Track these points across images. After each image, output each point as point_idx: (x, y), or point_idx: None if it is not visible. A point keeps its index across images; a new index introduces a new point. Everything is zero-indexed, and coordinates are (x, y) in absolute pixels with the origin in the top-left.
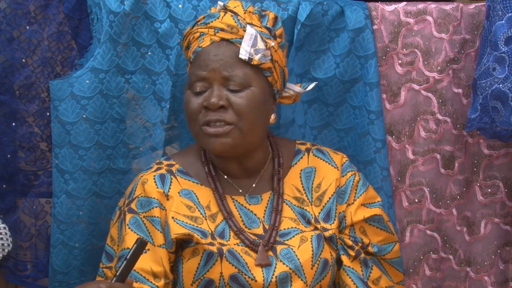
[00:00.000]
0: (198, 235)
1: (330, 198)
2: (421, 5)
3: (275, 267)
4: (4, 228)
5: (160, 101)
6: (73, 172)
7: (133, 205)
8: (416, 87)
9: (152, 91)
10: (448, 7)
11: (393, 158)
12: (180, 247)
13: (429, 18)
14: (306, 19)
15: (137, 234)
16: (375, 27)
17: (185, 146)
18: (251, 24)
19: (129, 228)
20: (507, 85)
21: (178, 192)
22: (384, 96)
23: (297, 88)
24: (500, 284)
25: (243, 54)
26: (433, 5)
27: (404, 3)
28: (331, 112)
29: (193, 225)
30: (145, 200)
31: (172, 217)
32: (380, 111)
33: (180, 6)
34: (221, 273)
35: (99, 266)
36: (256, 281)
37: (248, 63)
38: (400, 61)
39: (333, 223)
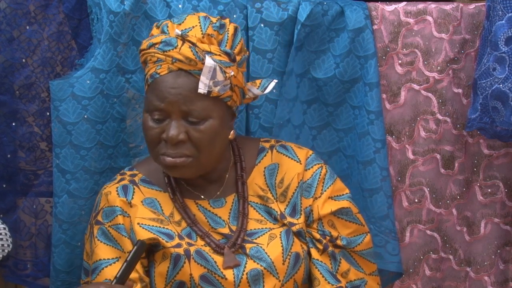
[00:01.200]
0: (163, 238)
1: (293, 193)
2: (421, 5)
3: (245, 265)
4: (4, 228)
5: None
6: (75, 172)
7: (99, 217)
8: (416, 87)
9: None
10: (448, 7)
11: (393, 158)
12: (151, 251)
13: (429, 18)
14: (306, 19)
15: (106, 244)
16: (375, 27)
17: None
18: (210, 53)
19: (98, 240)
20: (507, 85)
21: (141, 201)
22: (384, 96)
23: (256, 90)
24: (500, 284)
25: (202, 88)
26: (433, 5)
27: (404, 3)
28: (330, 112)
29: (159, 226)
30: (109, 210)
31: (138, 223)
32: (380, 111)
33: (180, 6)
34: (191, 274)
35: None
36: (226, 279)
37: (207, 95)
38: (400, 61)
39: (300, 217)
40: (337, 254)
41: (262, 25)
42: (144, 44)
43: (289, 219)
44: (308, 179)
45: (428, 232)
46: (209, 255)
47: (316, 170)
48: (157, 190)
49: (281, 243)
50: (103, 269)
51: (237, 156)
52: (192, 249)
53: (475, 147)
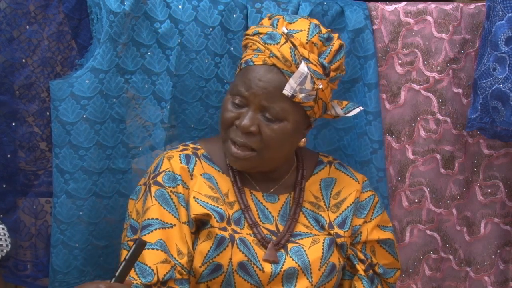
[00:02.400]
0: (215, 217)
1: (348, 206)
2: (421, 5)
3: (284, 262)
4: (3, 229)
5: (160, 101)
6: (73, 172)
7: (159, 179)
8: (416, 87)
9: (151, 91)
10: (448, 7)
11: (393, 158)
12: (198, 228)
13: (429, 18)
14: None
15: (163, 208)
16: (375, 27)
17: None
18: (307, 60)
19: (155, 199)
20: (507, 85)
21: (201, 174)
22: (384, 96)
23: (340, 111)
24: (500, 284)
25: (287, 90)
26: (433, 5)
27: (404, 3)
28: None
29: (214, 205)
30: (171, 175)
31: (194, 197)
32: (378, 112)
33: (180, 6)
34: (231, 259)
35: (122, 241)
36: (264, 272)
37: (289, 98)
38: (400, 61)
39: (347, 231)
40: (375, 278)
41: None
42: (251, 29)
43: (336, 229)
44: (362, 201)
45: (428, 232)
46: (252, 245)
47: (370, 195)
48: (216, 169)
49: (323, 249)
50: (157, 229)
51: (300, 162)
52: (237, 236)
53: (475, 147)
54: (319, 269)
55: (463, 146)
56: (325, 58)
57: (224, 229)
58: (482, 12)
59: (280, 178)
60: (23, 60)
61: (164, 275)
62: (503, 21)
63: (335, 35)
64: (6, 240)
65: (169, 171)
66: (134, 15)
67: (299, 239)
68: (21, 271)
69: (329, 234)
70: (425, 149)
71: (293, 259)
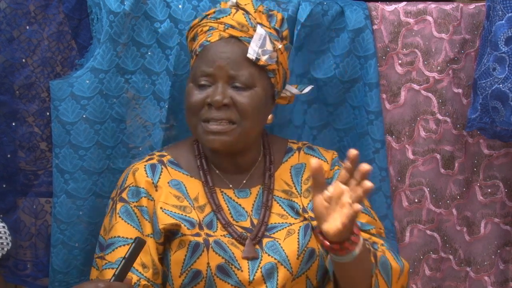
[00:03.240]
0: (185, 225)
1: None
2: (421, 5)
3: (261, 259)
4: (3, 227)
5: (160, 101)
6: (73, 172)
7: (124, 195)
8: (416, 87)
9: (151, 91)
10: (448, 7)
11: (393, 158)
12: (168, 239)
13: (429, 18)
14: (306, 19)
15: (128, 223)
16: (375, 27)
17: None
18: (261, 24)
19: (119, 216)
20: (507, 85)
21: (168, 182)
22: (384, 96)
23: (294, 89)
24: (500, 284)
25: (251, 54)
26: (433, 5)
27: (404, 3)
28: (331, 112)
29: (182, 214)
30: (135, 190)
31: (161, 208)
32: (379, 112)
33: (180, 6)
34: (208, 263)
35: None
36: (242, 271)
37: (254, 63)
38: (400, 61)
39: None
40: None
41: None
42: (196, 20)
43: (310, 213)
44: (329, 178)
45: (428, 232)
46: (228, 246)
47: (336, 170)
48: (184, 173)
49: (298, 238)
50: (119, 247)
51: (266, 149)
52: (211, 239)
53: (475, 147)
54: (297, 258)
55: (463, 146)
56: (275, 24)
57: (197, 234)
58: (482, 12)
59: (248, 168)
60: (23, 60)
61: None
62: (503, 21)
63: (275, 11)
64: (6, 238)
65: (132, 186)
66: (134, 15)
67: (273, 233)
68: (21, 270)
69: (305, 219)
70: (425, 149)
71: (269, 255)
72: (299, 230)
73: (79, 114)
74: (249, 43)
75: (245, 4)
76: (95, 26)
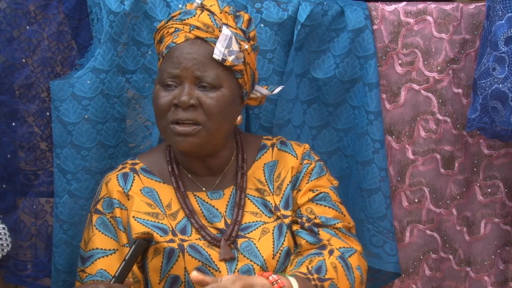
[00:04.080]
0: (157, 233)
1: (287, 185)
2: (421, 5)
3: (237, 261)
4: (3, 228)
5: None
6: (76, 172)
7: (99, 206)
8: (416, 87)
9: (152, 90)
10: (448, 7)
11: (393, 158)
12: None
13: (429, 18)
14: (306, 19)
15: (105, 235)
16: (375, 27)
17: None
18: (226, 25)
19: (96, 228)
20: (507, 85)
21: (140, 190)
22: (384, 96)
23: (264, 90)
24: (500, 284)
25: (217, 54)
26: (433, 5)
27: (404, 3)
28: (330, 112)
29: (154, 221)
30: (109, 201)
31: (133, 216)
32: (379, 112)
33: (180, 6)
34: (185, 268)
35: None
36: (220, 272)
37: (221, 63)
38: (400, 61)
39: (291, 209)
40: (314, 228)
41: (262, 25)
42: (162, 22)
43: (282, 211)
44: (299, 173)
45: (428, 232)
46: (203, 248)
47: (305, 164)
48: (156, 180)
49: (273, 238)
50: (98, 259)
51: (239, 148)
52: (186, 243)
53: (475, 147)
54: (273, 258)
55: (463, 146)
56: (241, 25)
57: (171, 240)
58: (482, 12)
59: (221, 169)
60: (23, 60)
61: None
62: (503, 21)
63: (241, 12)
64: (6, 239)
65: (107, 197)
66: (134, 14)
67: (248, 233)
68: (21, 271)
69: (278, 217)
70: (425, 149)
71: (244, 256)
72: (273, 230)
73: (80, 115)
74: (215, 43)
75: (211, 5)
76: (95, 26)
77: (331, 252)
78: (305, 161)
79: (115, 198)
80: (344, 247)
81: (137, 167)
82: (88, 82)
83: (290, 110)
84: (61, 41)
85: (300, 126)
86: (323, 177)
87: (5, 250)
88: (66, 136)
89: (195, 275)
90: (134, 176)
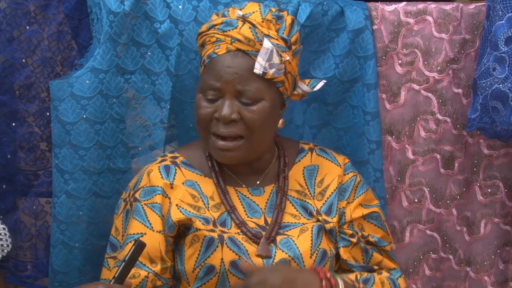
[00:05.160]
0: (200, 221)
1: (332, 192)
2: (421, 5)
3: (275, 255)
4: (4, 229)
5: (160, 101)
6: (73, 172)
7: (137, 195)
8: (416, 87)
9: (151, 91)
10: (448, 7)
11: (393, 158)
12: (182, 234)
13: (429, 18)
14: (306, 19)
15: (138, 221)
16: (375, 27)
17: (184, 145)
18: (268, 36)
19: (133, 217)
20: (507, 85)
21: (183, 183)
22: (384, 96)
23: (305, 87)
24: (500, 284)
25: (258, 69)
26: (433, 5)
27: (404, 3)
28: (330, 111)
29: (196, 213)
30: (149, 189)
31: (176, 205)
32: (376, 113)
33: (180, 7)
34: (222, 259)
35: (104, 257)
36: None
37: (261, 77)
38: (400, 61)
39: (335, 217)
40: (369, 249)
41: None
42: (204, 27)
43: (324, 216)
44: (344, 183)
45: (428, 232)
46: (242, 243)
47: (352, 177)
48: (197, 174)
49: (311, 237)
50: (127, 243)
51: (281, 151)
52: (225, 235)
53: (475, 147)
54: (310, 257)
55: (463, 146)
56: (283, 32)
57: (212, 230)
58: (482, 12)
59: (263, 169)
60: (23, 60)
61: None
62: (503, 21)
63: (285, 12)
64: (7, 240)
65: (147, 186)
66: (134, 15)
67: (287, 231)
68: (21, 271)
69: (318, 220)
70: (425, 149)
71: (283, 251)
72: (312, 228)
73: (79, 114)
74: (256, 57)
75: (253, 12)
76: (95, 26)
77: (380, 273)
78: (351, 173)
79: (158, 186)
80: (394, 268)
81: (177, 160)
82: (87, 82)
83: (291, 110)
84: (61, 41)
85: (301, 125)
86: (369, 191)
87: (5, 251)
88: (64, 136)
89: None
90: (176, 169)
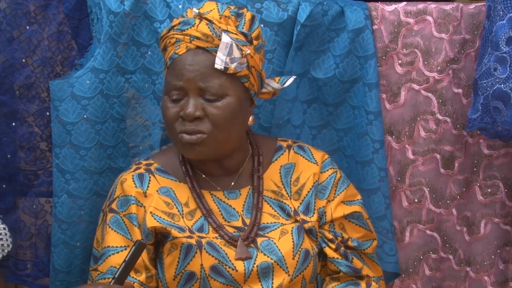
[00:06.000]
0: (175, 229)
1: (308, 191)
2: (421, 5)
3: (256, 258)
4: (4, 228)
5: (160, 100)
6: (74, 172)
7: (113, 205)
8: (416, 87)
9: (152, 90)
10: (448, 7)
11: (393, 158)
12: (160, 242)
13: (429, 18)
14: (306, 19)
15: (117, 233)
16: (375, 27)
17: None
18: (226, 31)
19: (109, 227)
20: (508, 85)
21: (157, 190)
22: (384, 96)
23: (275, 84)
24: (500, 284)
25: (219, 64)
26: (433, 5)
27: (404, 3)
28: (330, 112)
29: (170, 221)
30: (124, 199)
31: (151, 212)
32: (379, 112)
33: (180, 6)
34: (202, 265)
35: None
36: (237, 271)
37: (224, 72)
38: (400, 61)
39: (313, 216)
40: (349, 254)
41: (262, 25)
42: (164, 30)
43: (302, 216)
44: (323, 182)
45: (428, 232)
46: (221, 247)
47: (331, 174)
48: (172, 179)
49: (292, 238)
50: (109, 256)
51: (255, 149)
52: (203, 240)
53: (475, 147)
54: (293, 258)
55: (463, 146)
56: (242, 27)
57: (189, 237)
58: (482, 12)
59: (236, 169)
60: (23, 60)
61: None
62: (504, 21)
63: (244, 9)
64: (7, 239)
65: (122, 196)
66: (134, 15)
67: (267, 232)
68: (21, 270)
69: (296, 221)
70: (425, 149)
71: (265, 254)
72: (292, 230)
73: (80, 114)
74: (216, 52)
75: (210, 10)
76: (95, 26)
77: (368, 285)
78: (331, 170)
79: (132, 195)
80: (377, 276)
81: (152, 167)
82: (88, 82)
83: (289, 110)
84: (61, 41)
85: (300, 126)
86: (350, 186)
87: (6, 250)
88: (65, 136)
89: None
90: (150, 177)
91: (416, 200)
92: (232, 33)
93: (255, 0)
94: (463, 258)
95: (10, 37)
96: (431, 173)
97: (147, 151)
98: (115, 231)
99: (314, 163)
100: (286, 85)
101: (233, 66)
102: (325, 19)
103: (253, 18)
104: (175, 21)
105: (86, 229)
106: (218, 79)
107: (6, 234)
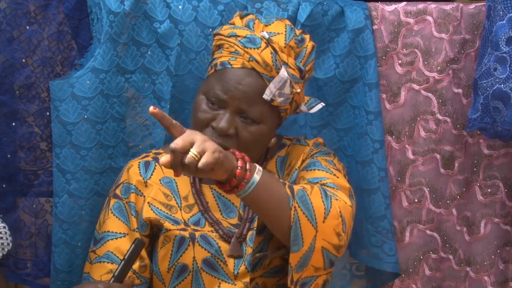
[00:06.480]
0: (169, 222)
1: (296, 170)
2: (421, 5)
3: (245, 254)
4: (4, 227)
5: (160, 100)
6: (75, 172)
7: (118, 191)
8: (416, 87)
9: (151, 90)
10: (448, 7)
11: (393, 158)
12: (156, 235)
13: (429, 18)
14: (306, 19)
15: (118, 219)
16: (375, 27)
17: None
18: (286, 64)
19: (111, 212)
20: (508, 85)
21: (160, 180)
22: (384, 96)
23: (303, 107)
24: (500, 284)
25: (267, 95)
26: (433, 5)
27: (404, 3)
28: (331, 112)
29: (167, 213)
30: (126, 187)
31: (148, 202)
32: (379, 112)
33: (180, 7)
34: (194, 257)
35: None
36: (227, 265)
37: (268, 102)
38: (400, 61)
39: None
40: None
41: None
42: (225, 30)
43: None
44: (311, 159)
45: (428, 232)
46: (215, 240)
47: (315, 152)
48: None
49: None
50: (108, 241)
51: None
52: (197, 233)
53: (475, 147)
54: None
55: (463, 146)
56: (301, 61)
57: (183, 229)
58: (482, 12)
59: None
60: (23, 60)
61: None
62: (504, 21)
63: (307, 36)
64: (7, 238)
65: (126, 182)
66: (134, 15)
67: (254, 223)
68: (21, 269)
69: None
70: (425, 149)
71: (250, 247)
72: None
73: (80, 115)
74: (269, 81)
75: (278, 33)
76: (95, 26)
77: (312, 187)
78: (315, 150)
79: (133, 184)
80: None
81: (159, 156)
82: (88, 82)
83: None
84: (61, 41)
85: (304, 126)
86: (326, 156)
87: (6, 249)
88: (65, 136)
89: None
90: (155, 165)
91: (416, 200)
92: (291, 68)
93: (255, 0)
94: (463, 258)
95: (10, 37)
96: (431, 173)
97: (147, 150)
98: (116, 217)
99: (305, 146)
100: (312, 111)
101: (279, 100)
102: (325, 19)
103: (312, 49)
104: (241, 31)
105: (87, 229)
106: (260, 106)
107: (6, 232)
